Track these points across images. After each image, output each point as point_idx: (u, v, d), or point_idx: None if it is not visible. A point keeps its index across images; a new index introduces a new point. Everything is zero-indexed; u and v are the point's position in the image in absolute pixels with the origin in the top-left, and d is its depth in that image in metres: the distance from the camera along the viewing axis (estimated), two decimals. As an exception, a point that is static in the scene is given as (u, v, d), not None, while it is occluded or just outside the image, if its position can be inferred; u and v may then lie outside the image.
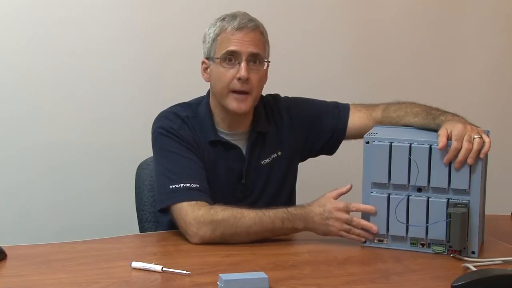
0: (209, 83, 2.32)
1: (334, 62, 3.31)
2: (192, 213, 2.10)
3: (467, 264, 1.93)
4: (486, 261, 1.97)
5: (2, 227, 2.94)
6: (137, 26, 3.05)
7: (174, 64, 3.09)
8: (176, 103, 2.37)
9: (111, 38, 3.03)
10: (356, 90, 3.25)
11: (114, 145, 3.06)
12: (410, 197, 2.06)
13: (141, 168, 2.57)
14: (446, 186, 2.03)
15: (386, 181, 2.07)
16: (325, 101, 2.46)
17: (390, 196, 2.07)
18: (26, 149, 2.99)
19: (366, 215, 2.10)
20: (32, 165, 3.00)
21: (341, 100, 2.47)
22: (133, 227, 2.54)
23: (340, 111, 2.41)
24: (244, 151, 2.31)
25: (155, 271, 1.87)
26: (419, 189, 2.06)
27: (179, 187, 2.15)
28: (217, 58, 2.23)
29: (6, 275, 1.86)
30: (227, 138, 2.30)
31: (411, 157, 2.03)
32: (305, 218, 2.11)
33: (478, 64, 3.49)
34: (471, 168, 2.00)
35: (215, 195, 2.19)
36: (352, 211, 2.10)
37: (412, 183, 2.05)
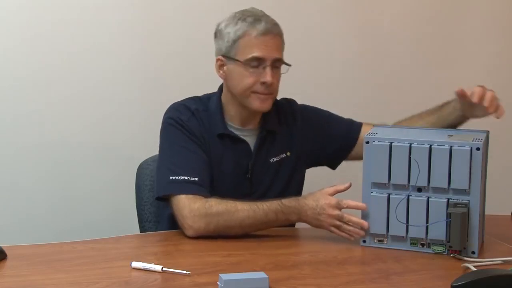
0: (213, 80, 2.34)
1: (334, 62, 3.30)
2: (189, 206, 2.13)
3: (467, 264, 1.93)
4: (486, 261, 1.97)
5: (2, 227, 2.94)
6: (137, 26, 3.05)
7: (174, 64, 3.09)
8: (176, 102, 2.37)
9: (111, 38, 3.03)
10: (356, 90, 3.25)
11: (114, 145, 3.06)
12: (410, 197, 2.05)
13: (141, 168, 2.57)
14: (446, 186, 2.03)
15: (386, 181, 2.07)
16: (340, 116, 2.50)
17: (390, 196, 2.07)
18: (26, 149, 2.99)
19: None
20: (32, 165, 3.00)
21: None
22: (133, 227, 2.54)
23: (353, 123, 2.46)
24: (252, 147, 2.33)
25: (155, 271, 1.86)
26: (419, 189, 2.05)
27: (178, 179, 2.18)
28: (240, 61, 2.24)
29: (6, 275, 1.86)
30: (236, 133, 2.32)
31: (412, 157, 2.03)
32: (298, 211, 2.14)
33: (478, 64, 3.48)
34: (471, 168, 2.00)
35: (221, 189, 2.23)
36: (343, 208, 2.11)
37: (412, 183, 2.05)
